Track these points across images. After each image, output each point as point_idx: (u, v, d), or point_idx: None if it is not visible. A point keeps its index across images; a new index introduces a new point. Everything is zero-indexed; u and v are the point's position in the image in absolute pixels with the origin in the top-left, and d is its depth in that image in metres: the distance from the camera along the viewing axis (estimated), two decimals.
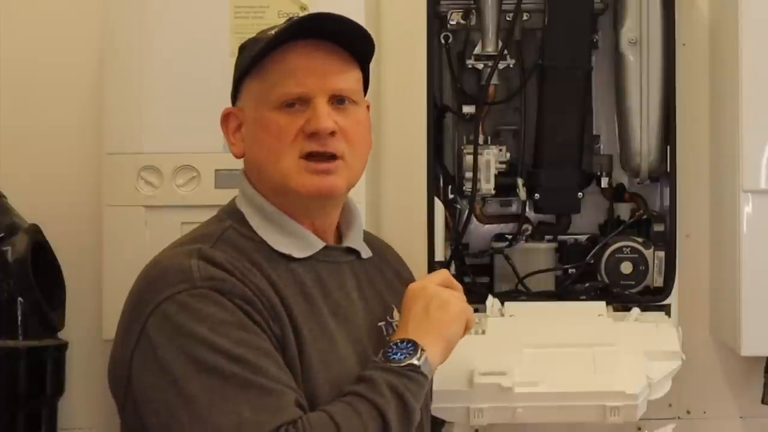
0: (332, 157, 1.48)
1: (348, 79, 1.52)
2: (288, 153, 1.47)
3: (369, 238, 1.68)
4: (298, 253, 1.50)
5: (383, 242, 1.77)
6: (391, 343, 1.46)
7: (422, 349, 1.44)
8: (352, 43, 1.52)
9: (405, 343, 1.45)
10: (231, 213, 1.54)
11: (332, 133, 1.47)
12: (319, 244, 1.53)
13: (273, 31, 1.50)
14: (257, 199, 1.52)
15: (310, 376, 1.43)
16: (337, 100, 1.50)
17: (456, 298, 1.55)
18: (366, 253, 1.62)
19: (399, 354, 1.43)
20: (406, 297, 1.54)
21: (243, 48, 1.56)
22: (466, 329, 1.56)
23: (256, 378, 1.33)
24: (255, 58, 1.48)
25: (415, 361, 1.42)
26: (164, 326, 1.36)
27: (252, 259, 1.46)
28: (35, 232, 2.20)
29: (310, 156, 1.47)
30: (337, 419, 1.34)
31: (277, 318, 1.42)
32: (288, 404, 1.34)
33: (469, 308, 1.56)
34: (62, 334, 2.24)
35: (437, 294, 1.53)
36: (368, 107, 1.59)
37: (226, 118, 1.56)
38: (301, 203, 1.51)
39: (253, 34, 2.07)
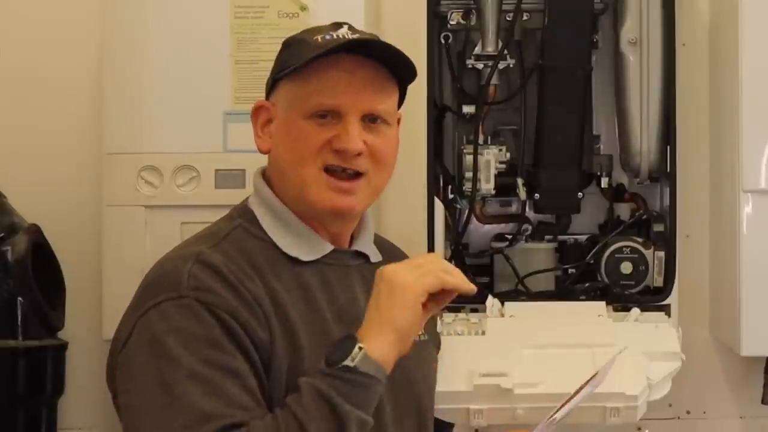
0: (355, 174, 1.48)
1: (385, 101, 1.50)
2: (311, 162, 1.46)
3: (380, 242, 1.67)
4: (305, 256, 1.49)
5: (394, 246, 1.75)
6: (335, 343, 1.40)
7: (359, 347, 1.35)
8: (395, 65, 1.51)
9: (343, 342, 1.38)
10: (242, 211, 1.53)
11: (358, 153, 1.47)
12: (327, 248, 1.52)
13: (319, 37, 1.47)
14: (269, 198, 1.51)
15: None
16: (370, 119, 1.49)
17: (415, 279, 1.38)
18: (375, 257, 1.60)
19: (335, 355, 1.36)
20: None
21: (287, 45, 1.52)
22: (441, 301, 1.42)
23: (204, 400, 1.32)
24: (297, 65, 1.45)
25: (348, 362, 1.34)
26: (144, 334, 1.38)
27: (254, 262, 1.45)
28: (35, 232, 2.20)
29: (331, 169, 1.46)
30: None
31: (267, 325, 1.40)
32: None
33: (438, 280, 1.39)
34: (62, 334, 2.24)
35: (391, 279, 1.39)
36: (399, 120, 1.57)
37: (257, 111, 1.54)
38: (316, 214, 1.51)
39: (253, 34, 2.07)
